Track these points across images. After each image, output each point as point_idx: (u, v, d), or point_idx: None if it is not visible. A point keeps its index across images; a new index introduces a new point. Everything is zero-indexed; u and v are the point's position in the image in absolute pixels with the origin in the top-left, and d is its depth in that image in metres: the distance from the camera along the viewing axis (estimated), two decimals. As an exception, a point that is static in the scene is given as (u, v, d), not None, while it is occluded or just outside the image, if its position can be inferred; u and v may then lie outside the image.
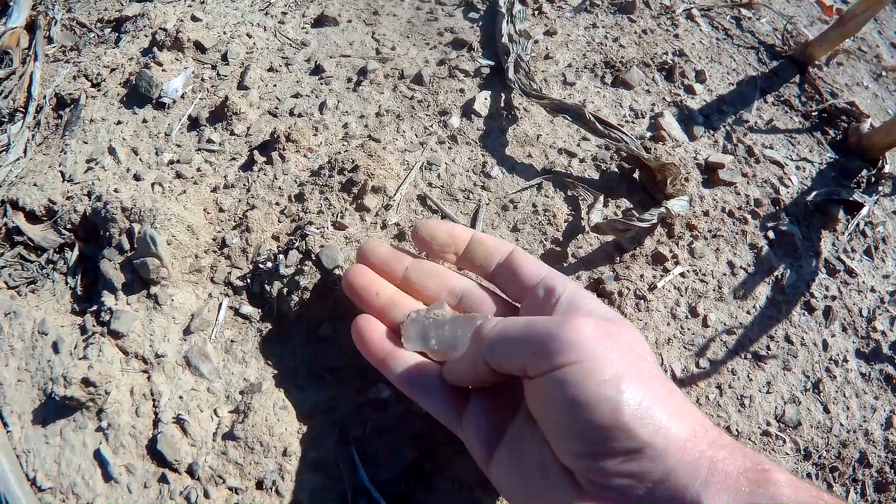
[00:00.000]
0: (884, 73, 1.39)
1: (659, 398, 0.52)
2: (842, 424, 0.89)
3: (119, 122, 1.12)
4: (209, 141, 1.07)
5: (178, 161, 1.04)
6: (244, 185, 1.00)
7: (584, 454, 0.53)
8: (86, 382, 0.77)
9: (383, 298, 0.76)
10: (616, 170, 1.04)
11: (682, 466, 0.49)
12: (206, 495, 0.73)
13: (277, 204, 0.97)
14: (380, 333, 0.73)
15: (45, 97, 1.20)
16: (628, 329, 0.60)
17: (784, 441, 0.85)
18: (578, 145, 1.06)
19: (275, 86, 1.16)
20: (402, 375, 0.70)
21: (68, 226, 0.99)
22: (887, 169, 1.13)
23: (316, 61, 1.19)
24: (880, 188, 1.11)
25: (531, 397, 0.58)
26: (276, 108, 1.12)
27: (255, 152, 1.03)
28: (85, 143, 1.09)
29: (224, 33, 1.25)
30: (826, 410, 0.89)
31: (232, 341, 0.86)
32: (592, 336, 0.54)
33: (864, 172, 1.13)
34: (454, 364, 0.67)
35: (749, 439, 0.85)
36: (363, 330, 0.73)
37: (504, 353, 0.59)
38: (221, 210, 0.97)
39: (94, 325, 0.86)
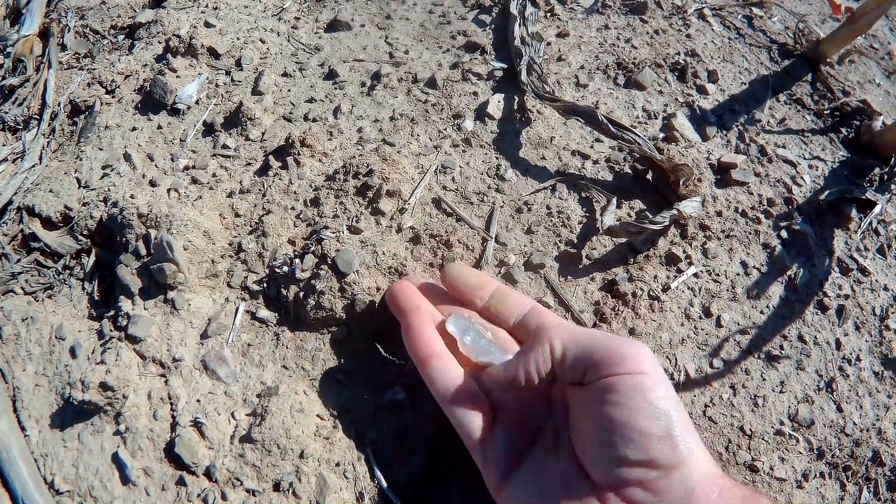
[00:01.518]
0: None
1: (693, 429, 0.57)
2: (855, 423, 0.89)
3: (134, 129, 1.12)
4: (224, 146, 1.07)
5: (194, 167, 1.05)
6: (260, 190, 1.00)
7: (622, 461, 0.55)
8: (103, 387, 0.78)
9: (425, 313, 0.76)
10: (629, 171, 1.04)
11: (700, 488, 0.54)
12: (224, 497, 0.74)
13: (293, 208, 0.97)
14: (430, 332, 0.73)
15: (59, 104, 1.20)
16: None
17: (797, 440, 0.85)
18: (592, 147, 1.06)
19: (289, 91, 1.16)
20: (441, 379, 0.70)
21: (84, 232, 0.99)
22: (900, 167, 1.13)
23: (330, 66, 1.19)
24: (893, 186, 1.10)
25: (581, 403, 0.61)
26: (291, 113, 1.12)
27: (271, 157, 1.04)
28: (100, 149, 1.10)
29: (238, 39, 1.26)
30: (839, 409, 0.89)
31: (249, 345, 0.86)
32: (653, 357, 0.60)
33: (877, 170, 1.13)
34: (502, 365, 0.68)
35: (762, 438, 0.85)
36: (414, 325, 0.73)
37: (572, 352, 0.63)
38: (237, 215, 0.97)
39: (111, 330, 0.87)
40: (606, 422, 0.57)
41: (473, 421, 0.68)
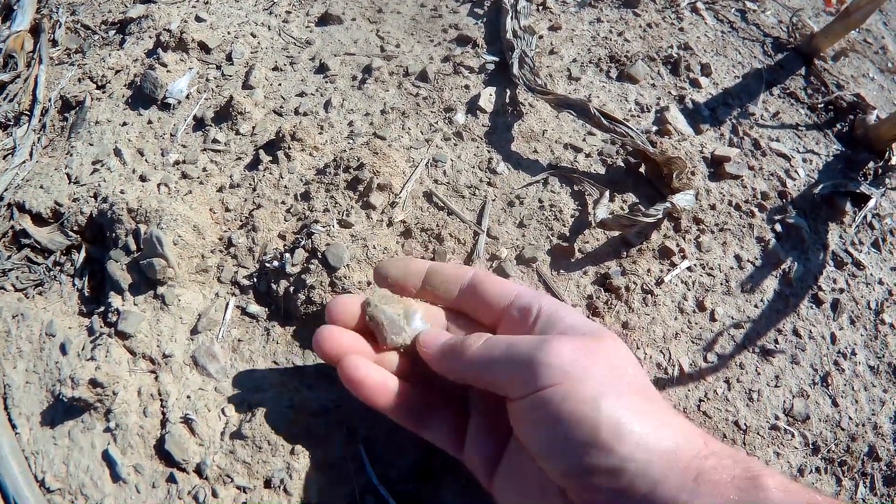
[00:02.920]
0: (890, 65, 1.39)
1: (640, 413, 0.53)
2: (850, 418, 0.88)
3: (124, 124, 1.12)
4: (214, 141, 1.07)
5: (184, 161, 1.05)
6: (250, 184, 1.00)
7: (570, 473, 0.54)
8: (93, 383, 0.77)
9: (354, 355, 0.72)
10: (622, 164, 1.04)
11: (668, 479, 0.50)
12: (215, 494, 0.73)
13: (283, 203, 0.97)
14: (373, 374, 0.69)
15: (50, 100, 1.20)
16: (609, 343, 0.61)
17: (793, 435, 0.85)
18: (584, 140, 1.06)
19: (280, 85, 1.16)
20: (402, 411, 0.69)
21: (75, 228, 0.99)
22: (894, 160, 1.13)
23: (321, 60, 1.19)
24: (887, 180, 1.11)
25: (514, 418, 0.59)
26: (282, 107, 1.12)
27: (261, 151, 1.03)
28: (91, 144, 1.09)
29: (228, 33, 1.25)
30: (834, 404, 0.89)
31: (239, 340, 0.86)
32: (570, 357, 0.56)
33: (871, 164, 1.13)
34: (448, 358, 0.66)
35: (757, 433, 0.84)
36: (352, 372, 0.69)
37: (487, 373, 0.61)
38: (227, 210, 0.97)
39: (101, 326, 0.87)
40: (537, 438, 0.56)
41: (446, 435, 0.68)
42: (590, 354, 0.57)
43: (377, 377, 0.69)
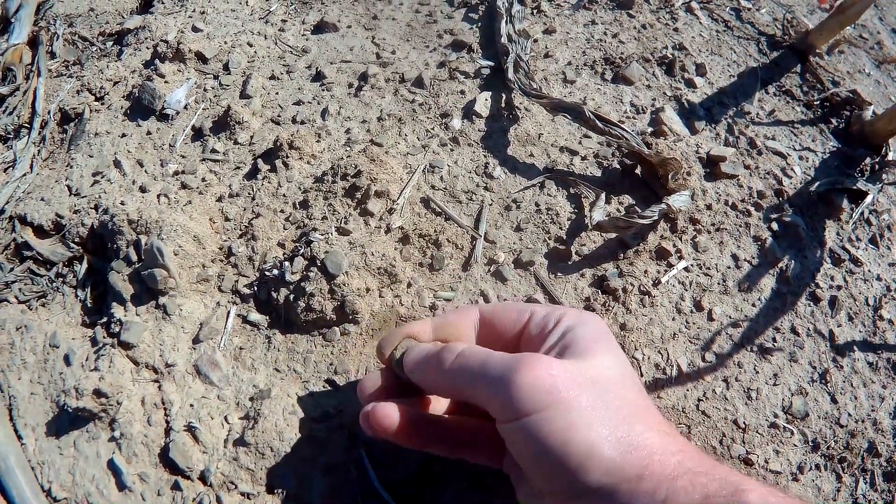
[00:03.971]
0: (886, 63, 1.39)
1: (612, 440, 0.53)
2: (850, 414, 0.89)
3: (123, 135, 1.12)
4: (213, 151, 1.07)
5: (183, 172, 1.05)
6: (249, 193, 1.00)
7: (551, 493, 0.55)
8: (98, 393, 0.78)
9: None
10: (618, 166, 1.04)
11: (654, 491, 0.50)
12: (219, 501, 0.74)
13: (282, 211, 0.97)
14: (411, 421, 0.67)
15: (49, 112, 1.21)
16: (601, 359, 0.60)
17: (792, 433, 0.85)
18: (580, 143, 1.07)
19: (277, 94, 1.17)
20: (452, 447, 0.68)
21: (76, 239, 1.00)
22: (890, 156, 1.13)
23: (317, 68, 1.20)
24: (884, 176, 1.11)
25: (502, 435, 0.59)
26: (279, 115, 1.12)
27: (259, 160, 1.04)
28: (90, 156, 1.10)
29: (225, 43, 1.26)
30: (834, 401, 0.89)
31: (241, 348, 0.86)
32: (547, 384, 0.55)
33: (868, 160, 1.13)
34: (417, 365, 0.67)
35: (757, 432, 0.85)
36: (388, 422, 0.66)
37: (465, 390, 0.61)
38: (227, 219, 0.98)
39: (104, 337, 0.87)
40: (519, 459, 0.57)
41: (491, 457, 0.68)
42: (568, 378, 0.56)
43: (403, 416, 0.66)
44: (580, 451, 0.51)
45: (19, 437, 0.83)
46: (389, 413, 0.65)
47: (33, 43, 1.36)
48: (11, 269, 0.99)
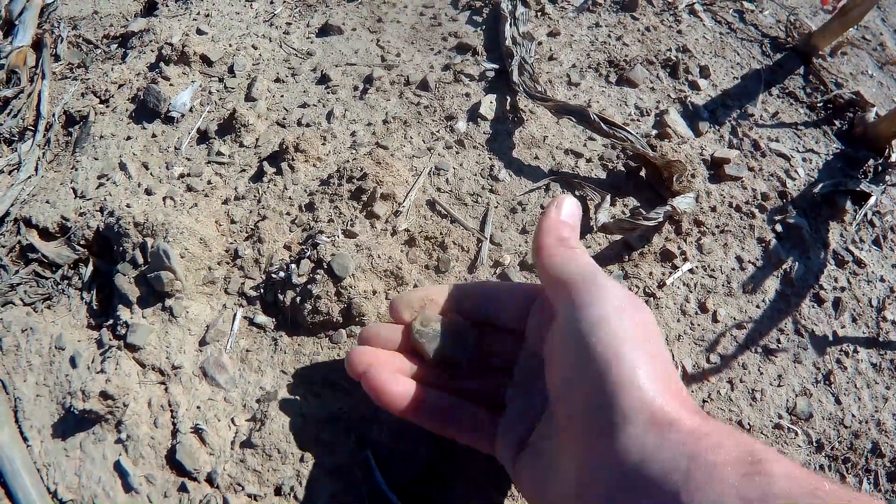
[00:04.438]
0: (889, 65, 1.39)
1: (654, 374, 0.52)
2: (853, 415, 0.89)
3: (129, 138, 1.13)
4: (219, 153, 1.07)
5: (189, 174, 1.05)
6: (255, 196, 1.00)
7: (574, 423, 0.54)
8: (104, 395, 0.78)
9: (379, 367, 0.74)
10: (622, 169, 1.04)
11: (661, 452, 0.47)
12: (226, 503, 0.74)
13: (288, 214, 0.97)
14: (399, 383, 0.70)
15: (54, 115, 1.21)
16: (647, 314, 0.61)
17: (796, 433, 0.85)
18: (585, 145, 1.07)
19: (282, 96, 1.17)
20: (435, 419, 0.70)
21: (82, 242, 1.00)
22: (893, 158, 1.13)
23: (322, 70, 1.20)
24: (887, 177, 1.11)
25: (554, 337, 0.61)
26: (284, 118, 1.13)
27: (265, 163, 1.04)
28: (95, 159, 1.10)
29: (230, 46, 1.26)
30: (837, 402, 0.89)
31: (247, 350, 0.86)
32: (620, 292, 0.58)
33: (871, 162, 1.13)
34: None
35: (761, 432, 0.85)
36: (375, 381, 0.70)
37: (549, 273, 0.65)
38: (233, 222, 0.98)
39: (110, 339, 0.87)
40: (562, 358, 0.59)
41: (477, 436, 0.70)
42: (634, 309, 0.58)
43: (399, 384, 0.70)
44: (627, 369, 0.51)
45: (25, 439, 0.83)
46: (400, 387, 0.70)
47: (37, 45, 1.36)
48: (16, 272, 0.99)
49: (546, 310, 0.69)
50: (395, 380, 0.70)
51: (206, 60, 1.22)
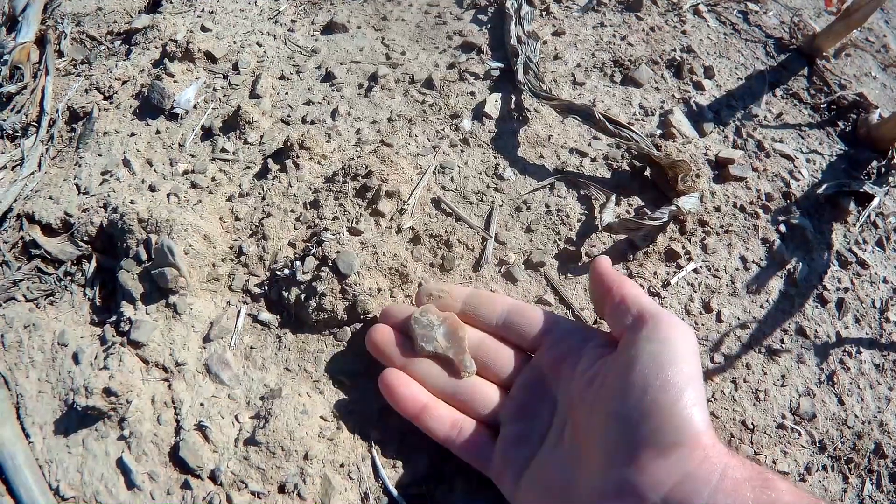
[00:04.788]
0: (892, 67, 1.39)
1: (700, 402, 0.57)
2: (856, 416, 0.89)
3: (132, 134, 1.12)
4: (223, 150, 1.07)
5: (193, 171, 1.05)
6: (259, 193, 1.00)
7: (627, 441, 0.57)
8: (107, 392, 0.78)
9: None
10: (627, 168, 1.04)
11: (699, 471, 0.53)
12: (229, 500, 0.74)
13: (293, 211, 0.97)
14: (412, 389, 0.75)
15: (57, 111, 1.20)
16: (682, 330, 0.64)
17: (799, 434, 0.85)
18: (589, 145, 1.07)
19: (286, 94, 1.17)
20: (439, 430, 0.73)
21: (85, 238, 0.99)
22: (897, 159, 1.13)
23: (327, 68, 1.20)
24: (890, 179, 1.11)
25: (622, 350, 0.64)
26: (289, 115, 1.13)
27: (269, 160, 1.04)
28: (99, 155, 1.10)
29: (234, 43, 1.26)
30: (841, 402, 0.89)
31: (251, 348, 0.86)
32: (674, 319, 0.63)
33: (875, 163, 1.13)
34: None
35: (765, 433, 0.85)
36: (394, 385, 0.75)
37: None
38: (237, 218, 0.98)
39: (113, 336, 0.87)
40: (621, 388, 0.61)
41: (477, 453, 0.72)
42: (687, 334, 0.63)
43: (409, 389, 0.74)
44: (691, 400, 0.57)
45: (27, 436, 0.82)
46: (411, 391, 0.74)
47: (41, 41, 1.36)
48: (19, 268, 0.99)
49: (566, 342, 0.72)
50: (408, 384, 0.74)
51: (210, 57, 1.22)
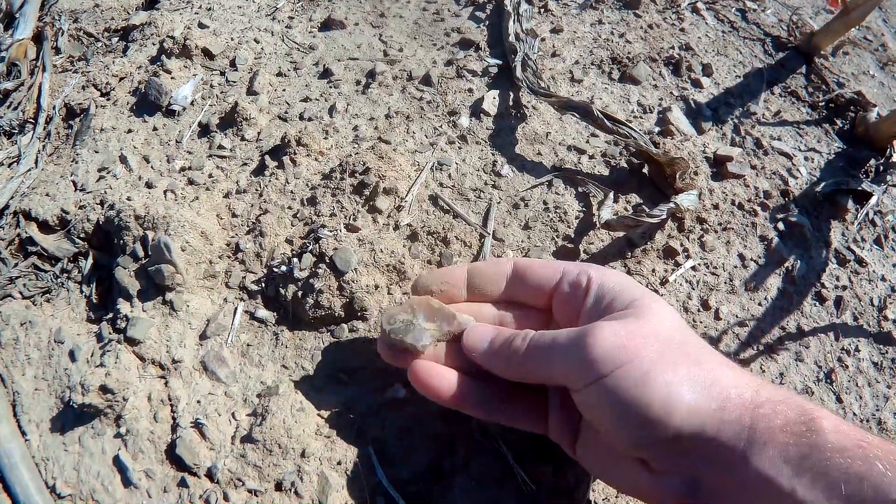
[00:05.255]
0: (890, 65, 1.39)
1: (688, 380, 0.56)
2: (855, 414, 0.89)
3: (129, 131, 1.12)
4: (220, 147, 1.07)
5: (190, 168, 1.05)
6: (256, 189, 1.00)
7: (638, 446, 0.58)
8: (103, 389, 0.78)
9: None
10: (625, 165, 1.04)
11: (722, 434, 0.54)
12: (226, 498, 0.74)
13: (290, 208, 0.97)
14: (447, 380, 0.72)
15: (54, 108, 1.20)
16: (655, 313, 0.63)
17: (799, 432, 0.85)
18: (587, 142, 1.07)
19: (284, 90, 1.17)
20: (480, 407, 0.71)
21: (82, 235, 0.99)
22: (894, 158, 1.13)
23: (324, 65, 1.20)
24: (888, 177, 1.11)
25: (579, 406, 0.62)
26: (286, 112, 1.12)
27: (267, 157, 1.04)
28: (96, 152, 1.10)
29: (232, 39, 1.26)
30: (839, 400, 0.90)
31: (248, 345, 0.86)
32: (614, 344, 0.58)
33: (873, 162, 1.13)
34: (486, 355, 0.69)
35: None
36: (429, 380, 0.71)
37: (539, 372, 0.64)
38: (234, 215, 0.97)
39: (110, 333, 0.87)
40: (599, 420, 0.60)
41: (532, 421, 0.71)
42: (634, 335, 0.59)
43: (442, 378, 0.71)
44: (659, 397, 0.55)
45: (23, 433, 0.82)
46: (441, 375, 0.71)
47: (38, 38, 1.36)
48: (16, 265, 0.99)
49: (573, 298, 0.70)
50: (440, 374, 0.71)
51: (207, 54, 1.22)
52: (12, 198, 1.06)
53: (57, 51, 1.34)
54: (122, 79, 1.22)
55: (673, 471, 0.58)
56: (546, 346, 0.63)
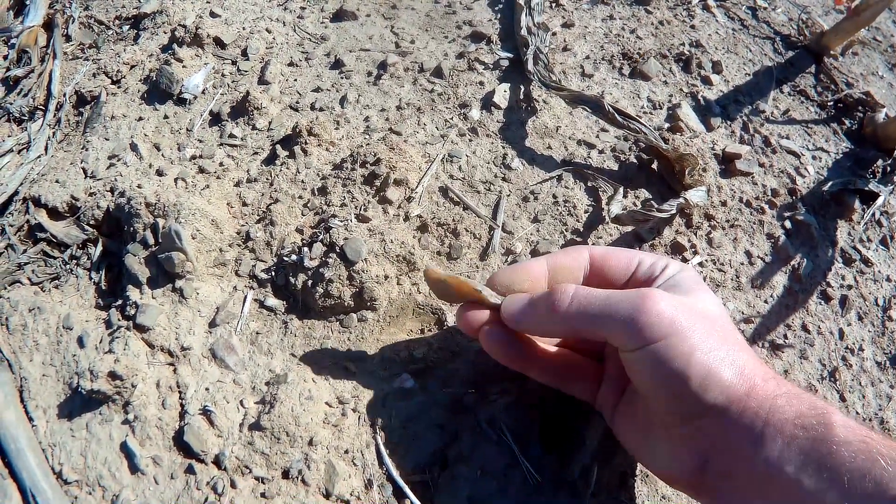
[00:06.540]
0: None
1: (726, 362, 0.59)
2: (857, 413, 0.89)
3: (140, 119, 1.12)
4: (231, 136, 1.07)
5: (201, 156, 1.05)
6: (267, 178, 1.00)
7: (672, 413, 0.61)
8: (112, 376, 0.78)
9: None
10: (635, 161, 1.04)
11: (742, 419, 0.57)
12: (233, 485, 0.74)
13: (300, 197, 0.98)
14: (516, 347, 0.74)
15: (65, 95, 1.21)
16: (704, 296, 0.67)
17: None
18: (597, 137, 1.07)
19: (295, 80, 1.17)
20: (542, 371, 0.74)
21: (91, 222, 1.00)
22: (902, 159, 1.13)
23: (336, 55, 1.20)
24: (895, 177, 1.11)
25: (626, 366, 0.64)
26: (297, 102, 1.13)
27: (278, 146, 1.04)
28: (106, 139, 1.10)
29: (243, 29, 1.26)
30: (842, 399, 0.90)
31: (257, 333, 0.86)
32: (670, 314, 0.60)
33: (880, 162, 1.13)
34: (524, 315, 0.70)
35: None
36: (498, 346, 0.73)
37: (586, 328, 0.65)
38: (245, 204, 0.98)
39: (119, 320, 0.87)
40: (641, 384, 0.63)
41: (589, 390, 0.75)
42: (687, 310, 0.61)
43: (512, 343, 0.73)
44: (701, 372, 0.58)
45: (30, 419, 0.83)
46: (501, 338, 0.72)
47: (49, 25, 1.36)
48: (25, 251, 0.99)
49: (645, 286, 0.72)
50: (512, 341, 0.73)
51: (219, 43, 1.22)
52: (22, 184, 1.07)
53: (68, 38, 1.34)
54: (133, 67, 1.22)
55: (687, 446, 0.61)
56: (596, 305, 0.64)
